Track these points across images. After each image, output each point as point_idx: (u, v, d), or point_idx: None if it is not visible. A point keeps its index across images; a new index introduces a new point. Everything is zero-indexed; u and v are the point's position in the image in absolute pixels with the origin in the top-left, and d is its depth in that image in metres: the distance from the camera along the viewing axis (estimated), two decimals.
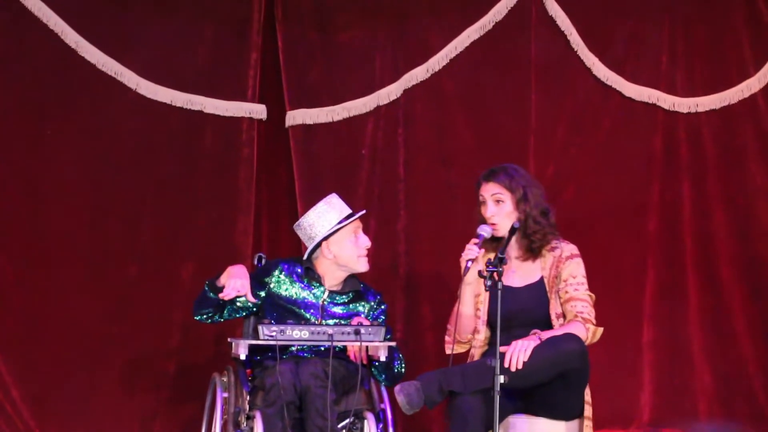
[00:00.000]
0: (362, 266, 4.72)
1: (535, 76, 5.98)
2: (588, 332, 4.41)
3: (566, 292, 4.47)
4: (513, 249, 4.58)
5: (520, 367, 4.21)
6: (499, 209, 4.53)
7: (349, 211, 4.72)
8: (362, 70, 5.97)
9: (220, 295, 4.55)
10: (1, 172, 5.81)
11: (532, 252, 4.55)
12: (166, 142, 5.92)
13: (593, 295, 4.51)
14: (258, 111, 5.93)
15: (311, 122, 5.93)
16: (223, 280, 4.60)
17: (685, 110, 6.03)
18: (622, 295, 5.89)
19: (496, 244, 4.60)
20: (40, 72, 5.82)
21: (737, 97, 6.02)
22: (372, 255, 4.81)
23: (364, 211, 4.83)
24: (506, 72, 6.01)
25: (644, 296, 6.00)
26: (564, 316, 4.49)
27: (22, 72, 5.81)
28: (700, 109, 6.03)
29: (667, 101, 6.02)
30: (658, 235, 6.04)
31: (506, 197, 4.53)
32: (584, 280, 4.52)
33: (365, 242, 4.72)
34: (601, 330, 4.44)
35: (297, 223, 4.75)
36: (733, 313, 6.02)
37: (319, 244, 4.68)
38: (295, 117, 5.92)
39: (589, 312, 4.46)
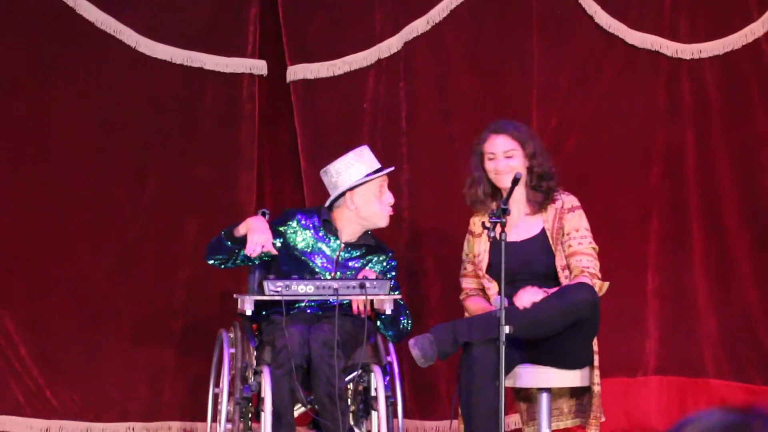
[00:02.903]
0: (383, 221, 4.71)
1: (537, 25, 5.94)
2: (595, 287, 4.40)
3: (570, 245, 4.46)
4: (518, 204, 4.55)
5: (528, 305, 4.22)
6: (509, 164, 4.50)
7: (378, 165, 4.70)
8: (362, 23, 5.93)
9: (246, 252, 4.54)
10: (2, 133, 5.80)
11: (540, 205, 4.53)
12: (167, 99, 5.90)
13: (597, 248, 4.50)
14: (259, 67, 5.90)
15: (312, 77, 5.90)
16: (242, 230, 4.58)
17: (688, 57, 5.99)
18: (626, 244, 5.88)
19: (497, 201, 4.58)
20: (39, 31, 5.79)
21: (741, 42, 5.97)
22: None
23: (392, 168, 4.81)
24: (508, 22, 5.97)
25: (648, 245, 6.00)
26: (569, 269, 4.48)
27: (20, 31, 5.78)
28: (704, 56, 5.99)
29: (670, 48, 5.98)
30: (662, 184, 6.02)
31: (517, 151, 4.51)
32: (587, 233, 4.50)
33: (389, 198, 4.70)
34: (607, 284, 4.44)
35: (324, 169, 4.72)
36: (738, 261, 6.01)
37: (342, 194, 4.66)
38: (296, 72, 5.89)
39: (595, 266, 4.45)
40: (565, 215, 4.51)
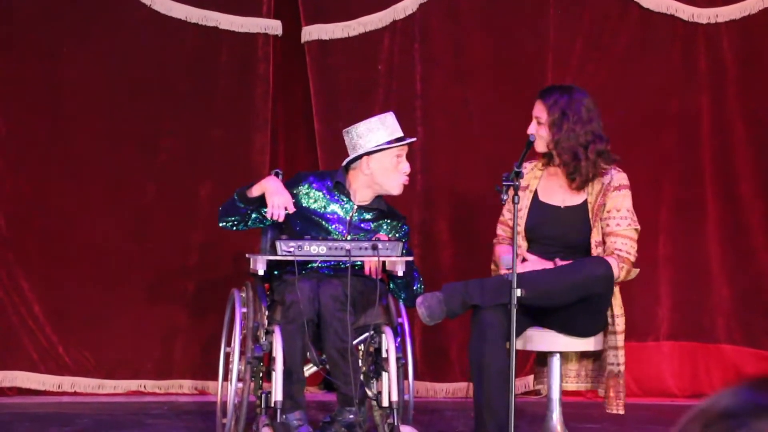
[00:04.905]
0: (396, 189, 4.67)
1: None
2: (621, 271, 4.34)
3: (608, 225, 4.38)
4: (561, 167, 4.50)
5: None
6: (538, 129, 4.46)
7: (400, 133, 4.66)
8: None
9: (273, 217, 4.54)
10: (18, 93, 5.81)
11: (570, 180, 4.46)
12: (182, 59, 5.90)
13: (639, 228, 4.43)
14: (273, 27, 5.89)
15: (327, 38, 5.89)
16: (256, 192, 4.57)
17: (704, 21, 5.96)
18: (637, 209, 5.84)
19: (547, 158, 4.54)
20: None
21: (757, 6, 5.93)
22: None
23: (413, 139, 4.76)
24: None
25: (660, 211, 5.99)
26: (604, 248, 4.42)
27: None
28: (720, 20, 5.95)
29: (686, 12, 5.95)
30: (676, 150, 6.01)
31: (543, 118, 4.45)
32: (628, 214, 4.40)
33: (405, 168, 4.66)
34: (636, 271, 4.37)
35: (347, 129, 4.69)
36: (752, 228, 6.00)
37: (360, 157, 4.64)
38: (311, 33, 5.88)
39: (628, 250, 4.35)
40: (610, 193, 4.41)
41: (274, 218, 4.53)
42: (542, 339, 4.44)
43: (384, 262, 4.51)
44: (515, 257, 4.14)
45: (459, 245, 5.90)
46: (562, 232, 4.43)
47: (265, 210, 4.59)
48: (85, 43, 5.83)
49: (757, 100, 5.99)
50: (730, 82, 5.98)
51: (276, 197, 4.52)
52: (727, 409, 1.24)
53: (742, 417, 1.23)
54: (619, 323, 4.41)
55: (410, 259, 4.55)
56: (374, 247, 4.42)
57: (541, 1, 5.92)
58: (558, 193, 4.48)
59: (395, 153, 4.63)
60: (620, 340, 4.41)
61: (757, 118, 5.99)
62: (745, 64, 5.99)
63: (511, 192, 4.19)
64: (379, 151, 4.61)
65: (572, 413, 4.92)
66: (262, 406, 4.42)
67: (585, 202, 4.44)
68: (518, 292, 4.08)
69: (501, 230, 4.63)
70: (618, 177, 4.44)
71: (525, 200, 4.48)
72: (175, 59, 5.89)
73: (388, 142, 4.61)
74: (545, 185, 4.52)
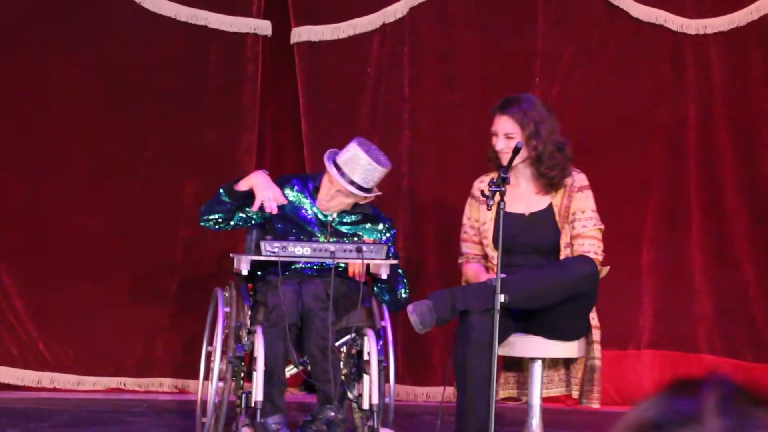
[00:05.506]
0: (320, 205, 4.69)
1: None
2: None
3: (574, 228, 4.42)
4: (527, 179, 4.51)
5: None
6: (508, 144, 4.46)
7: (361, 181, 4.60)
8: None
9: (255, 208, 4.53)
10: (4, 90, 5.79)
11: (552, 187, 4.47)
12: (170, 57, 5.89)
13: (603, 228, 4.45)
14: (263, 27, 5.88)
15: (316, 39, 5.89)
16: (244, 186, 4.56)
17: (693, 32, 5.97)
18: (622, 217, 5.88)
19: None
20: None
21: (746, 19, 5.95)
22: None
23: (372, 198, 4.63)
24: None
25: (645, 219, 6.00)
26: (572, 251, 4.44)
27: None
28: (709, 31, 5.97)
29: (675, 22, 5.96)
30: (662, 159, 6.02)
31: (516, 134, 4.45)
32: (593, 214, 4.44)
33: (329, 198, 4.64)
34: (606, 269, 4.41)
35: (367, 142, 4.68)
36: (736, 238, 6.01)
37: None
38: (301, 34, 5.88)
39: (596, 251, 4.39)
40: (574, 194, 4.44)
41: (267, 211, 4.53)
42: (524, 345, 4.45)
43: (368, 265, 4.51)
44: (500, 261, 4.15)
45: (444, 249, 5.89)
46: (530, 239, 4.46)
47: (249, 209, 4.59)
48: (73, 40, 5.81)
49: (743, 111, 6.01)
50: (717, 93, 6.00)
51: (267, 191, 4.53)
52: (653, 421, 1.24)
53: (667, 427, 1.22)
54: (593, 317, 4.45)
55: (394, 262, 4.55)
56: (359, 250, 4.42)
57: (531, 7, 5.93)
58: (520, 201, 4.49)
59: (329, 184, 4.59)
60: (596, 335, 4.45)
61: (743, 129, 6.01)
62: (731, 75, 6.01)
63: (497, 197, 4.21)
64: (332, 168, 4.58)
65: (552, 419, 4.93)
66: (242, 405, 4.41)
67: (550, 206, 4.47)
68: (501, 298, 4.09)
69: (467, 248, 4.60)
70: (579, 178, 4.49)
71: (490, 213, 4.47)
72: (163, 57, 5.88)
73: (338, 171, 4.56)
74: (507, 195, 4.51)
